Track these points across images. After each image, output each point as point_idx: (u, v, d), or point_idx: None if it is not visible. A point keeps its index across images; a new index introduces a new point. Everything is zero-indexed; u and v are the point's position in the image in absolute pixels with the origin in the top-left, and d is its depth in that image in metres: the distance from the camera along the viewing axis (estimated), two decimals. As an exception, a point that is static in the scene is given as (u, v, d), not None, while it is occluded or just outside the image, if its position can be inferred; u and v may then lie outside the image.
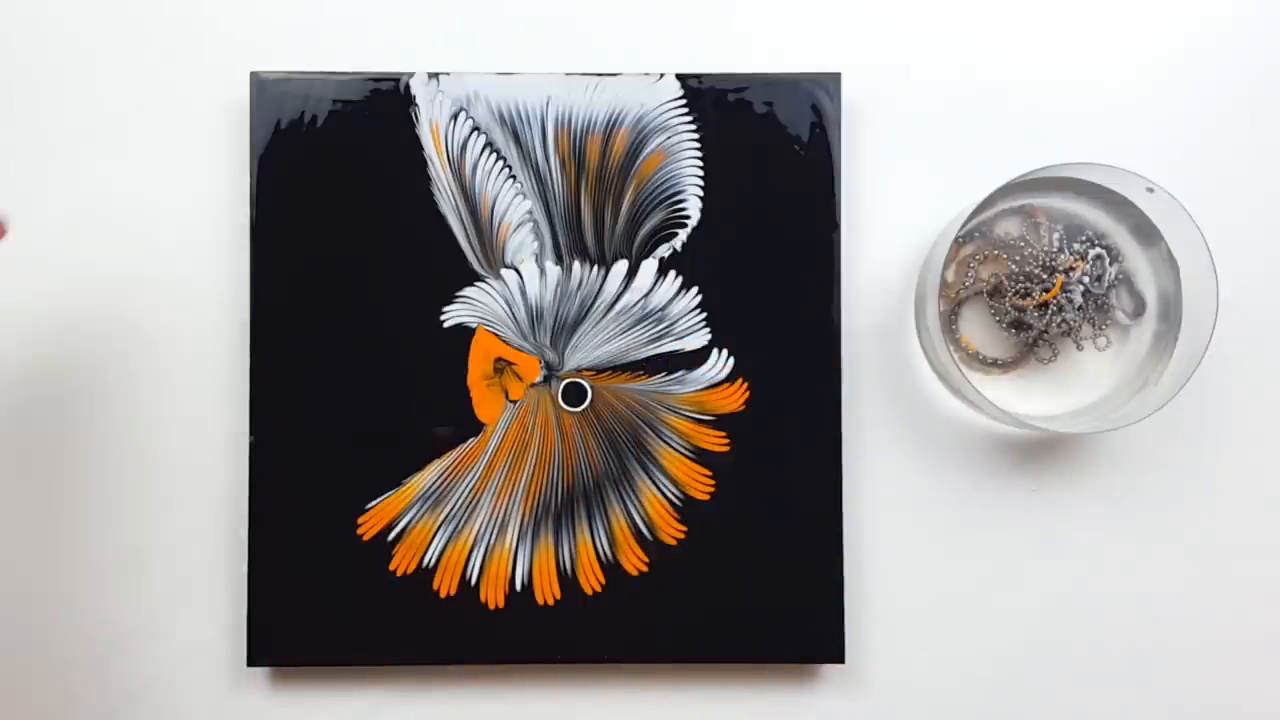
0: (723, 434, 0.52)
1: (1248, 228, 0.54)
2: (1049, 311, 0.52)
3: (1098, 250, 0.53)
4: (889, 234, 0.54)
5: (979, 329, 0.54)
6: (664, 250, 0.52)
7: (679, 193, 0.52)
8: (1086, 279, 0.52)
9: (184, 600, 0.53)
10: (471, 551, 0.52)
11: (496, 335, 0.52)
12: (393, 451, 0.52)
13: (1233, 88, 0.55)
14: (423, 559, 0.52)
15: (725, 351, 0.52)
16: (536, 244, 0.52)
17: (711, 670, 0.53)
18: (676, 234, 0.52)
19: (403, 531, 0.52)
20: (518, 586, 0.52)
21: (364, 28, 0.54)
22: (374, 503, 0.52)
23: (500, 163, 0.52)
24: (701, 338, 0.52)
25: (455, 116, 0.52)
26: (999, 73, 0.55)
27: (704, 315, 0.52)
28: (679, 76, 0.52)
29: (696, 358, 0.52)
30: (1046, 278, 0.52)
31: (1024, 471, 0.54)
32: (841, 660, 0.52)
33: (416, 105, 0.52)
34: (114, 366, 0.53)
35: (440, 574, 0.52)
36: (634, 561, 0.52)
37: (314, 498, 0.51)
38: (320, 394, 0.52)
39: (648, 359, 0.52)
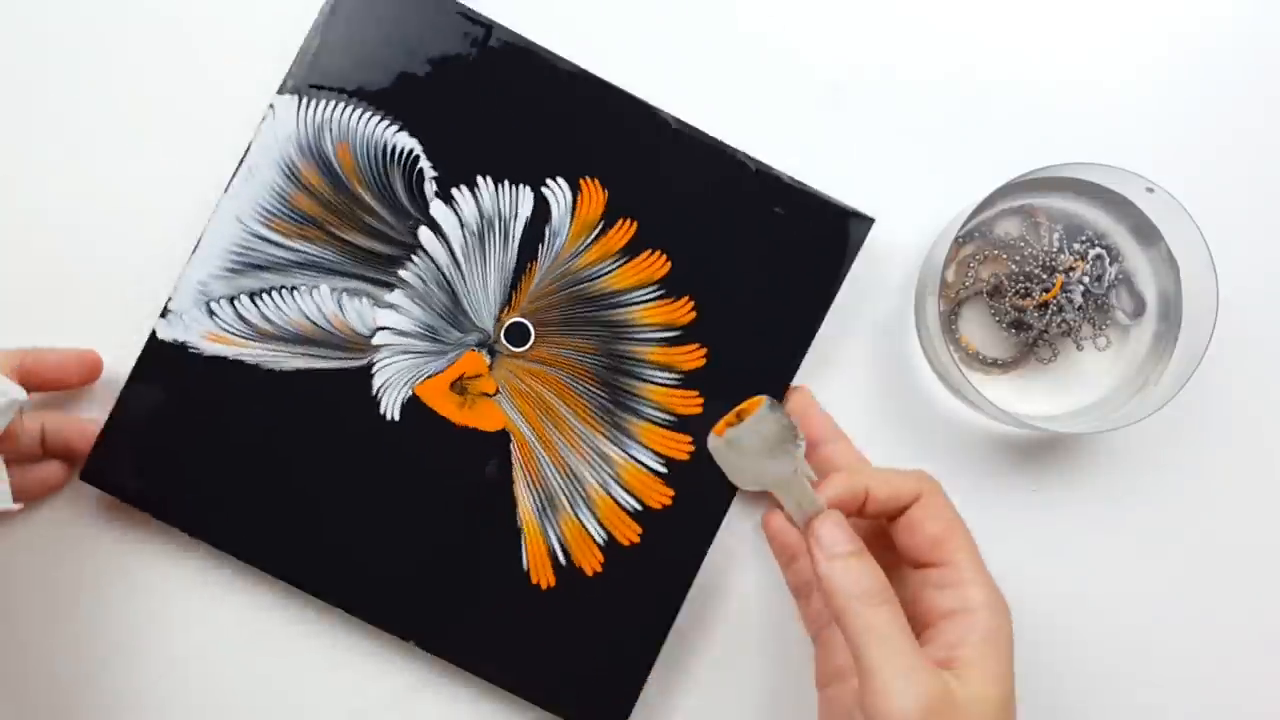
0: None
1: (1248, 228, 0.54)
2: (1049, 311, 0.52)
3: (1098, 250, 0.53)
4: (890, 234, 0.54)
5: (979, 329, 0.54)
6: (430, 186, 0.51)
7: (405, 145, 0.51)
8: (1086, 279, 0.52)
9: None
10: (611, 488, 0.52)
11: (429, 377, 0.51)
12: (489, 527, 0.51)
13: (1233, 88, 0.55)
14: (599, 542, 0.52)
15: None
16: (364, 299, 0.51)
17: None
18: (421, 163, 0.51)
19: (566, 549, 0.51)
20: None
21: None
22: (524, 564, 0.51)
23: (271, 294, 0.51)
24: (528, 201, 0.51)
25: (212, 314, 0.51)
26: (999, 73, 0.55)
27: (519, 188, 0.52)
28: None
29: (541, 215, 0.52)
30: (1046, 278, 0.52)
31: (1024, 471, 0.54)
32: None
33: (187, 350, 0.50)
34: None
35: (617, 531, 0.52)
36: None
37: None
38: (387, 554, 0.51)
39: (518, 255, 0.52)
